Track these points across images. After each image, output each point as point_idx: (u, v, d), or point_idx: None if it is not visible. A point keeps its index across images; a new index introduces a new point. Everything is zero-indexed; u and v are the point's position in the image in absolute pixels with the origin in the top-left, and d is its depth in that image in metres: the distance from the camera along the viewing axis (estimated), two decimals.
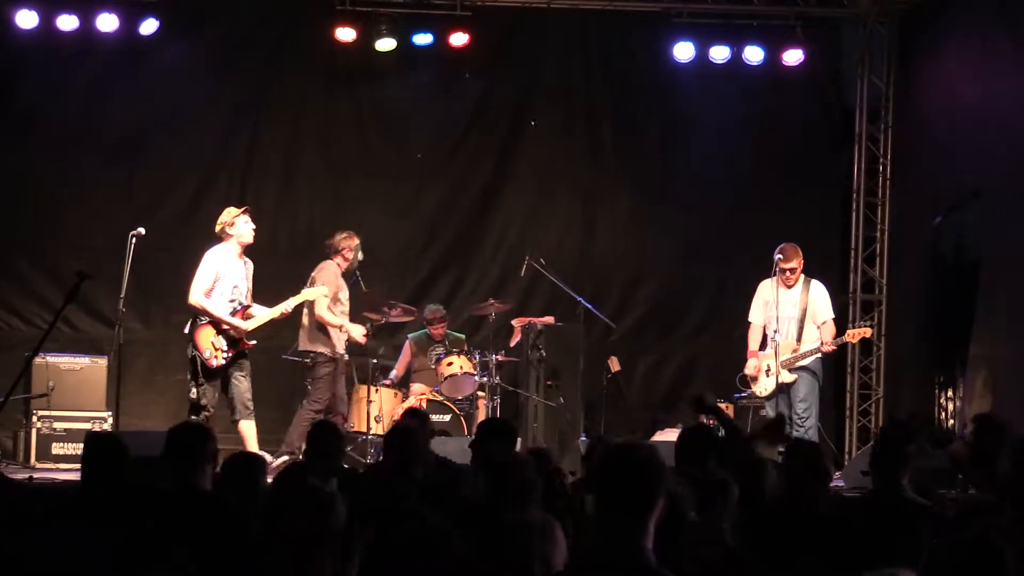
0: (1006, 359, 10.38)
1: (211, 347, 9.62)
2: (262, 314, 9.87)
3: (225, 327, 9.68)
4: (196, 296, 9.68)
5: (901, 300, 12.33)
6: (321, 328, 10.16)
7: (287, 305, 9.94)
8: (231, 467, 5.36)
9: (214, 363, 9.61)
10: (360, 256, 10.40)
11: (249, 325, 9.77)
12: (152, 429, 10.20)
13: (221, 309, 9.67)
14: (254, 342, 9.90)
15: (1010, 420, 9.50)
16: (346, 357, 10.42)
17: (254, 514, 4.65)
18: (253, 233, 9.92)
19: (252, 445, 9.67)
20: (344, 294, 10.31)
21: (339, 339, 10.26)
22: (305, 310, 10.23)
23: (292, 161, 12.29)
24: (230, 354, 9.67)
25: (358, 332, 10.40)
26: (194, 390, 9.64)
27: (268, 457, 9.47)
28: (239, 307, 9.80)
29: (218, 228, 9.84)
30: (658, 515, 3.41)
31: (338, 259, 10.28)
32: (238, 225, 9.79)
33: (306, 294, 10.01)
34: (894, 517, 5.06)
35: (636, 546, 3.38)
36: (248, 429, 9.74)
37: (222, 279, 9.72)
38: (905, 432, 5.73)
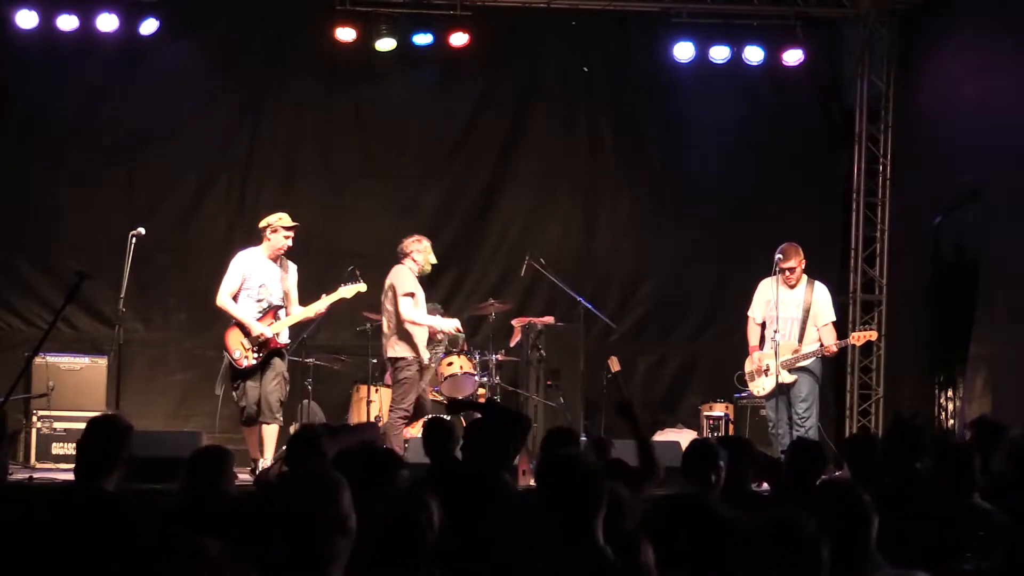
0: (1006, 359, 10.38)
1: (240, 347, 9.54)
2: (295, 313, 9.76)
3: (246, 328, 9.54)
4: (222, 298, 9.63)
5: (901, 300, 12.33)
6: (403, 332, 9.93)
7: (320, 305, 9.82)
8: (198, 461, 5.22)
9: (244, 363, 9.51)
10: (432, 259, 10.19)
11: (274, 328, 9.61)
12: (152, 429, 10.22)
13: (246, 312, 9.58)
14: (287, 341, 9.79)
15: (1009, 420, 9.54)
16: (426, 360, 10.10)
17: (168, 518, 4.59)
18: (287, 247, 9.78)
19: (268, 450, 9.56)
20: (420, 297, 10.09)
21: (423, 342, 10.03)
22: (385, 316, 10.04)
23: (292, 161, 12.29)
24: (260, 354, 9.56)
25: (450, 325, 10.20)
26: (233, 393, 9.57)
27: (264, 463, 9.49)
28: (268, 307, 9.67)
29: (262, 225, 9.73)
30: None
31: (408, 262, 10.11)
32: (279, 237, 9.66)
33: (342, 292, 9.87)
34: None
35: (595, 547, 3.49)
36: (269, 433, 9.60)
37: (248, 280, 9.64)
38: (914, 429, 5.73)
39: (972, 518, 5.10)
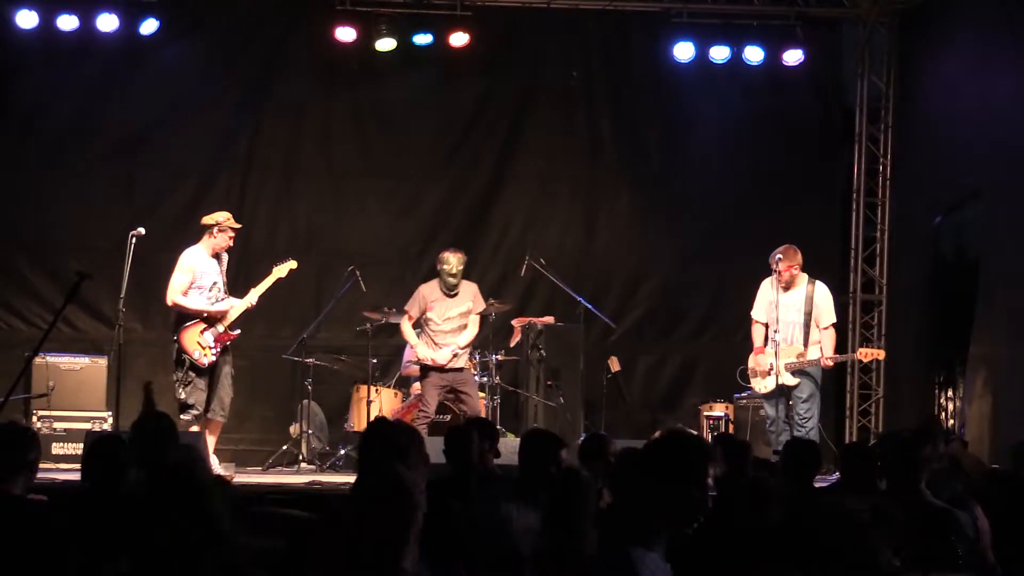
0: (1006, 359, 10.37)
1: (198, 346, 9.62)
2: (239, 303, 9.87)
3: (212, 314, 9.65)
4: (173, 296, 9.69)
5: (901, 300, 12.33)
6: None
7: (259, 290, 9.95)
8: (95, 448, 5.10)
9: (205, 361, 9.61)
10: (454, 262, 10.41)
11: (229, 306, 9.75)
12: None
13: (199, 304, 9.69)
14: (238, 332, 9.86)
15: (1009, 420, 9.54)
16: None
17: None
18: (228, 247, 9.91)
19: (211, 445, 9.65)
20: (436, 312, 10.43)
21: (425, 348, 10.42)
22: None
23: (292, 161, 12.29)
24: (217, 348, 9.68)
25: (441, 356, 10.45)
26: (182, 390, 9.62)
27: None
28: (217, 303, 9.79)
29: (207, 221, 9.82)
30: None
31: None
32: (224, 236, 9.78)
33: (276, 272, 10.05)
34: (913, 522, 5.01)
35: None
36: (215, 430, 9.78)
37: (200, 278, 9.73)
38: (920, 435, 5.72)
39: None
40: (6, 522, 4.23)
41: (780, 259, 10.08)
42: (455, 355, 10.33)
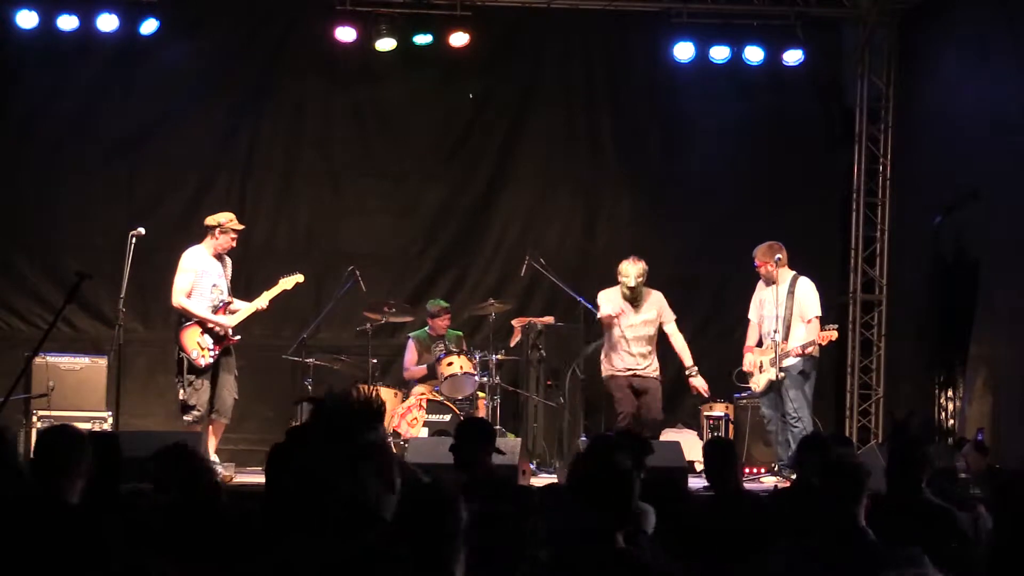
0: (1006, 359, 10.38)
1: (197, 347, 9.63)
2: (243, 308, 9.89)
3: (210, 325, 9.69)
4: (178, 298, 9.69)
5: (901, 300, 12.33)
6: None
7: (263, 300, 9.97)
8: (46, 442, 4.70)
9: (202, 362, 9.63)
10: (632, 273, 10.29)
11: (232, 320, 9.78)
12: (152, 429, 10.22)
13: (203, 309, 9.69)
14: (238, 337, 9.88)
15: (1009, 420, 9.54)
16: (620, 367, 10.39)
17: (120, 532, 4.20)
18: (231, 247, 9.92)
19: (213, 447, 9.67)
20: (622, 320, 10.35)
21: (617, 356, 10.38)
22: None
23: (292, 161, 12.29)
24: (216, 351, 9.70)
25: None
26: (182, 390, 9.63)
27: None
28: (220, 304, 9.80)
29: (211, 222, 9.83)
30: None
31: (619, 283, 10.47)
32: (226, 237, 9.79)
33: (282, 284, 10.07)
34: (914, 520, 5.02)
35: None
36: (219, 431, 9.80)
37: (200, 279, 9.73)
38: (915, 433, 5.73)
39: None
40: (60, 534, 3.94)
41: (755, 256, 10.15)
42: (691, 376, 10.57)
